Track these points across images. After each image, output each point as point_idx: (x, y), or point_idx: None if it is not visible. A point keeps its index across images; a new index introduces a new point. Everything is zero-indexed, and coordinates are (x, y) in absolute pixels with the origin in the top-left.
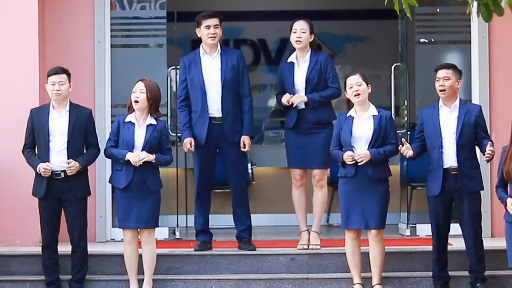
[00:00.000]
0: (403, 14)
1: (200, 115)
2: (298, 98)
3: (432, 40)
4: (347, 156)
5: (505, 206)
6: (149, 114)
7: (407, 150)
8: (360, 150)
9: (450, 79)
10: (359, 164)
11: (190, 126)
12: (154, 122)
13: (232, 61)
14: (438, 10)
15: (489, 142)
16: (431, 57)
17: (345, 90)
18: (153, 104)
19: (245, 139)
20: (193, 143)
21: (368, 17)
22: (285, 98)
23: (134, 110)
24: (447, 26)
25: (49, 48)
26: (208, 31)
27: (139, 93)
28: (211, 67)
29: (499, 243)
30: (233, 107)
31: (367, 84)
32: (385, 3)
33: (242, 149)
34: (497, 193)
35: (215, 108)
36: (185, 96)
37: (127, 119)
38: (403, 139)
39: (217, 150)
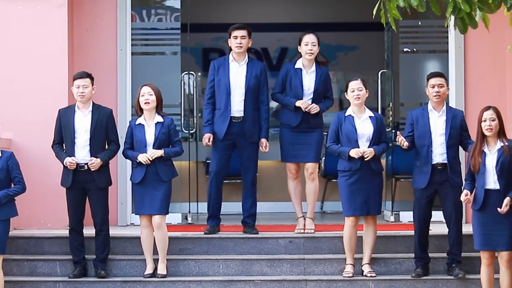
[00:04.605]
0: (389, 27)
1: (222, 112)
2: (315, 108)
3: (414, 49)
4: (356, 153)
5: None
6: (156, 113)
7: (403, 141)
8: (362, 146)
9: (444, 86)
10: (365, 159)
11: (212, 123)
12: (161, 119)
13: (256, 71)
14: (419, 23)
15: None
16: (413, 64)
17: (346, 92)
18: (159, 104)
19: (264, 141)
20: (211, 139)
21: (358, 28)
22: (304, 104)
23: (142, 113)
24: (428, 37)
25: (77, 55)
26: (236, 41)
27: (147, 95)
28: (237, 73)
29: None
30: (253, 111)
31: (366, 89)
32: (373, 16)
33: (263, 149)
34: (465, 185)
35: (236, 109)
36: (211, 95)
37: (137, 122)
38: (398, 132)
39: (234, 146)
